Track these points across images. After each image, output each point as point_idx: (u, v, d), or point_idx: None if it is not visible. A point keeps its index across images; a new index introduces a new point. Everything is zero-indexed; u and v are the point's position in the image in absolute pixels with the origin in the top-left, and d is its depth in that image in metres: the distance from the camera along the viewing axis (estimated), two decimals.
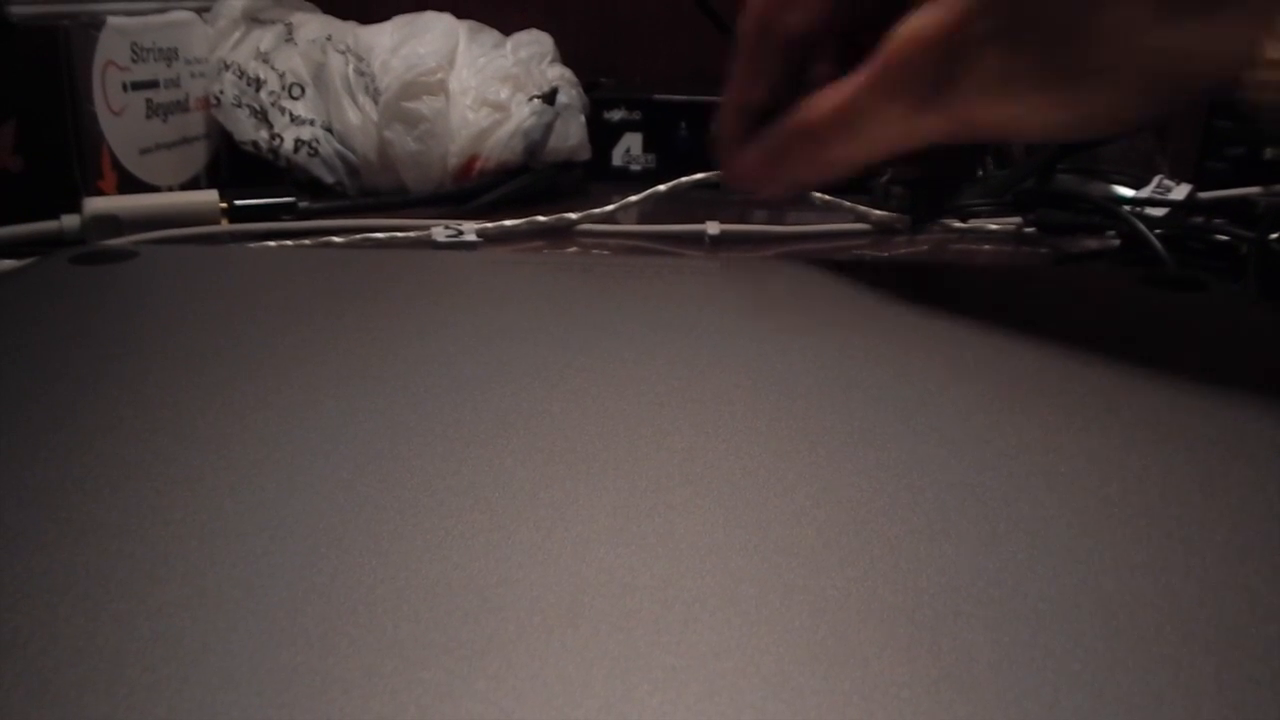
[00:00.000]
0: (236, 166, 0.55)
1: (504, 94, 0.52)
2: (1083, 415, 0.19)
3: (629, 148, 0.59)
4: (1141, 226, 0.38)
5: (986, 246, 0.46)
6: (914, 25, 0.24)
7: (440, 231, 0.43)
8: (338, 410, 0.18)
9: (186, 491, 0.15)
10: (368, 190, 0.53)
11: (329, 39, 0.53)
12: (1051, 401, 0.20)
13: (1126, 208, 0.42)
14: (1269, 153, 0.52)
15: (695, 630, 0.12)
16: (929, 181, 0.32)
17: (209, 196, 0.44)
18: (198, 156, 0.53)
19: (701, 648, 0.12)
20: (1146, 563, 0.14)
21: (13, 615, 0.12)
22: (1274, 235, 0.35)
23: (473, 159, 0.52)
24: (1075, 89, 0.22)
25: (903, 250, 0.45)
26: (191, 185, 0.51)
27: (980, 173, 0.65)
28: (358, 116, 0.52)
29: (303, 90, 0.53)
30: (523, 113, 0.52)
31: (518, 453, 0.17)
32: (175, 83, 0.51)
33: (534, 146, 0.52)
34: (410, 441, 0.17)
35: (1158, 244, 0.37)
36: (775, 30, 0.27)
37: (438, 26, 0.53)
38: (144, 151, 0.48)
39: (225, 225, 0.44)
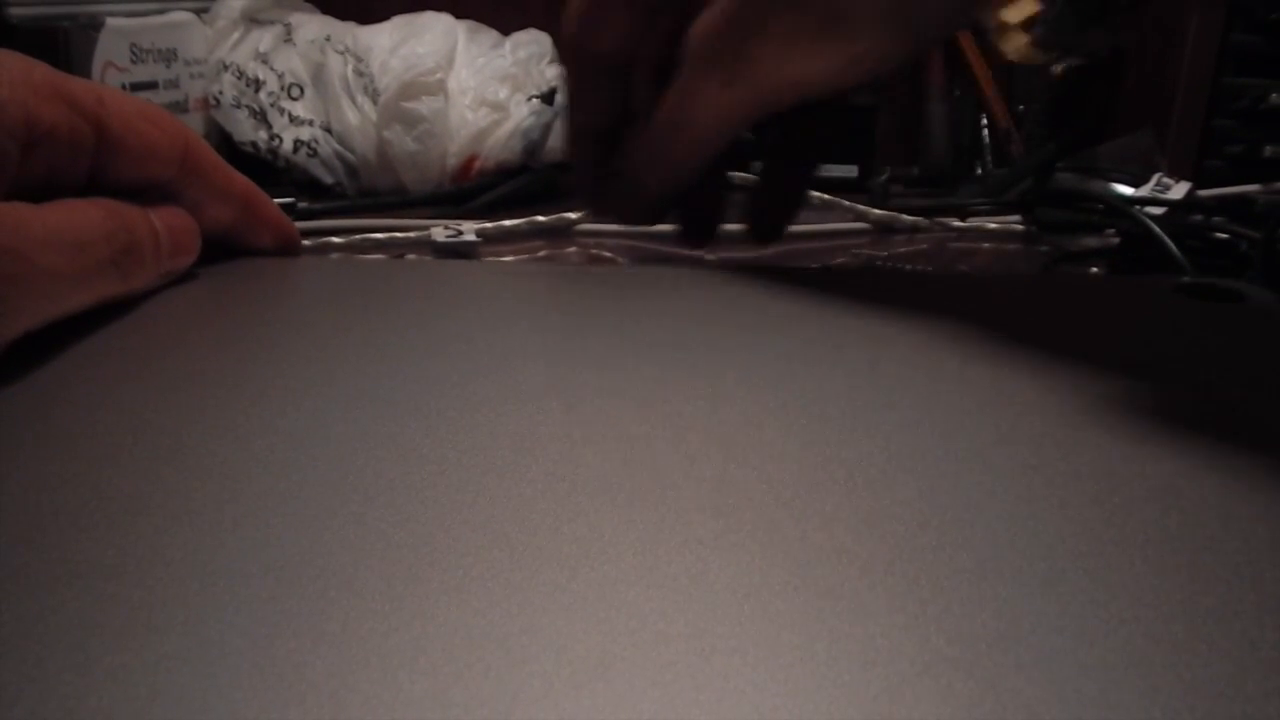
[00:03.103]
0: (235, 167, 0.55)
1: (503, 94, 0.52)
2: (1137, 441, 0.18)
3: None
4: (1157, 230, 0.38)
5: (986, 245, 0.46)
6: (707, 16, 0.28)
7: (440, 232, 0.43)
8: (347, 436, 0.17)
9: (187, 527, 0.14)
10: (366, 190, 0.52)
11: (328, 39, 0.53)
12: (1101, 424, 0.18)
13: (1136, 208, 0.42)
14: (1268, 151, 0.52)
15: (736, 685, 0.11)
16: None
17: None
18: None
19: (744, 705, 0.11)
20: (1218, 609, 0.13)
21: None
22: None
23: (471, 159, 0.52)
24: (842, 37, 0.27)
25: (903, 250, 0.45)
26: None
27: (979, 171, 0.65)
28: (357, 117, 0.51)
29: (302, 91, 0.52)
30: (521, 113, 0.52)
31: (537, 482, 0.16)
32: (174, 84, 0.51)
33: (533, 146, 0.52)
34: (424, 470, 0.16)
35: (1174, 248, 0.36)
36: (588, 54, 0.30)
37: (436, 27, 0.53)
38: None
39: None
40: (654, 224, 0.37)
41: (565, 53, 0.31)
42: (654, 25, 0.29)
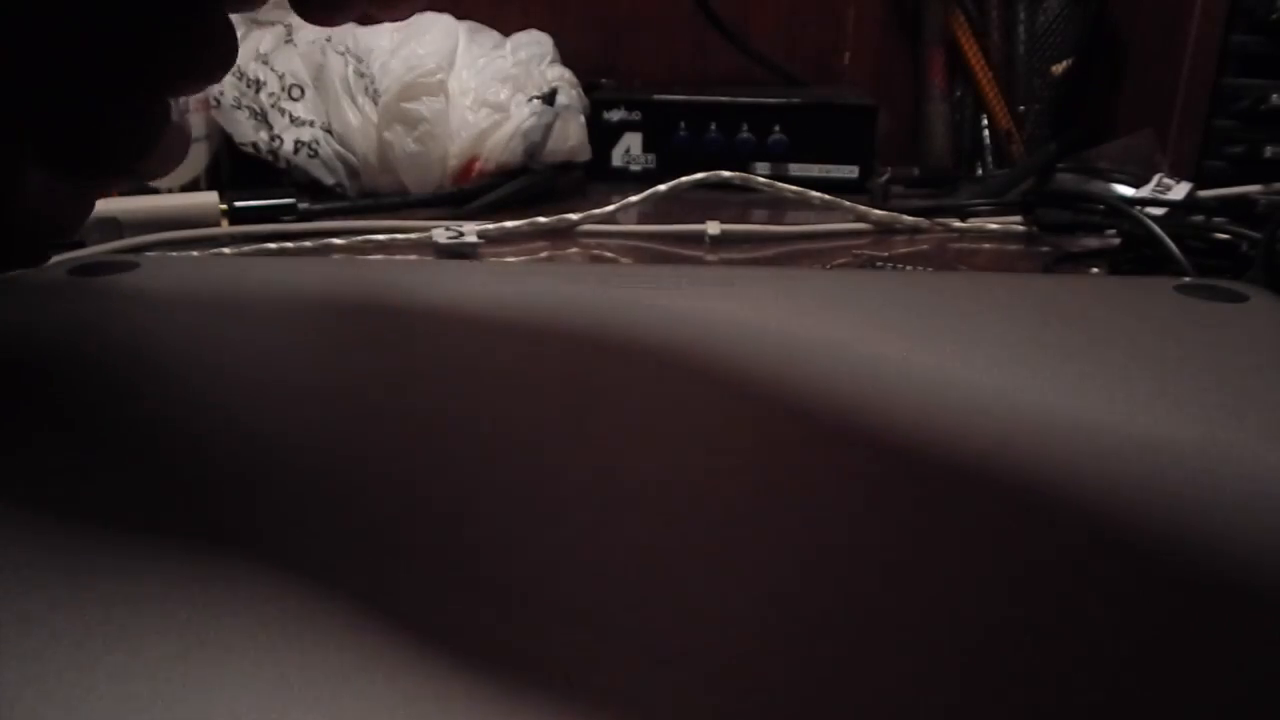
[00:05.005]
0: (236, 168, 0.55)
1: (503, 95, 0.52)
2: (1137, 440, 0.18)
3: (629, 148, 0.59)
4: (1158, 230, 0.38)
5: (986, 246, 0.46)
6: None
7: (441, 233, 0.43)
8: (348, 435, 0.18)
9: (188, 531, 0.14)
10: (367, 191, 0.53)
11: (329, 40, 0.53)
12: (1100, 423, 0.19)
13: (1137, 209, 0.42)
14: (1269, 151, 0.52)
15: (737, 684, 0.11)
16: None
17: (209, 198, 0.44)
18: (198, 158, 0.53)
19: (744, 704, 0.11)
20: (1222, 610, 0.13)
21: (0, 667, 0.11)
22: None
23: (472, 160, 0.52)
24: None
25: (903, 250, 0.45)
26: (192, 187, 0.51)
27: (980, 172, 0.65)
28: (357, 118, 0.52)
29: (302, 91, 0.53)
30: (522, 113, 0.52)
31: (539, 482, 0.16)
32: None
33: (533, 147, 0.52)
34: (424, 470, 0.16)
35: (1175, 249, 0.36)
36: None
37: (437, 27, 0.53)
38: None
39: (225, 227, 0.44)
40: None
41: None
42: None
